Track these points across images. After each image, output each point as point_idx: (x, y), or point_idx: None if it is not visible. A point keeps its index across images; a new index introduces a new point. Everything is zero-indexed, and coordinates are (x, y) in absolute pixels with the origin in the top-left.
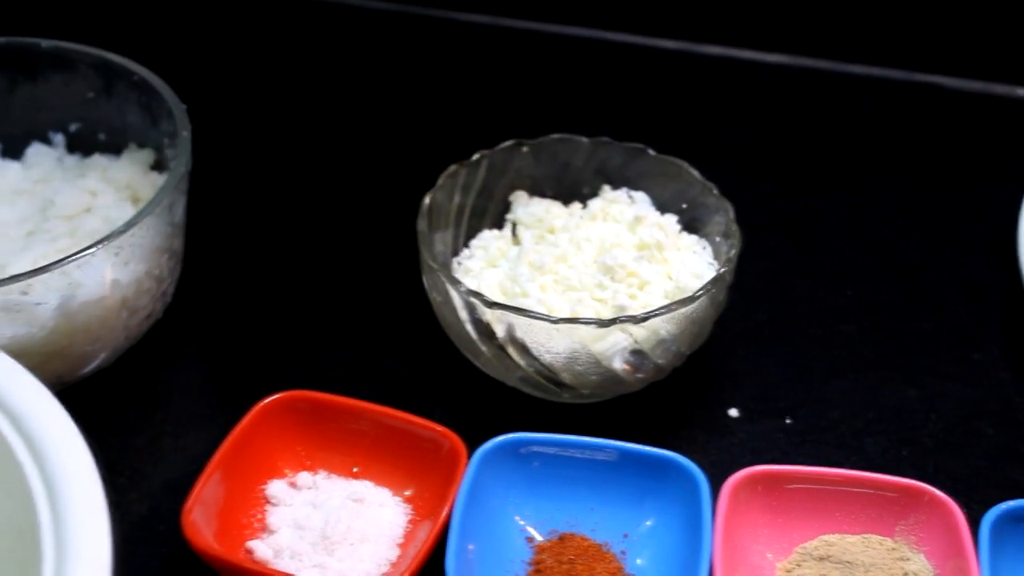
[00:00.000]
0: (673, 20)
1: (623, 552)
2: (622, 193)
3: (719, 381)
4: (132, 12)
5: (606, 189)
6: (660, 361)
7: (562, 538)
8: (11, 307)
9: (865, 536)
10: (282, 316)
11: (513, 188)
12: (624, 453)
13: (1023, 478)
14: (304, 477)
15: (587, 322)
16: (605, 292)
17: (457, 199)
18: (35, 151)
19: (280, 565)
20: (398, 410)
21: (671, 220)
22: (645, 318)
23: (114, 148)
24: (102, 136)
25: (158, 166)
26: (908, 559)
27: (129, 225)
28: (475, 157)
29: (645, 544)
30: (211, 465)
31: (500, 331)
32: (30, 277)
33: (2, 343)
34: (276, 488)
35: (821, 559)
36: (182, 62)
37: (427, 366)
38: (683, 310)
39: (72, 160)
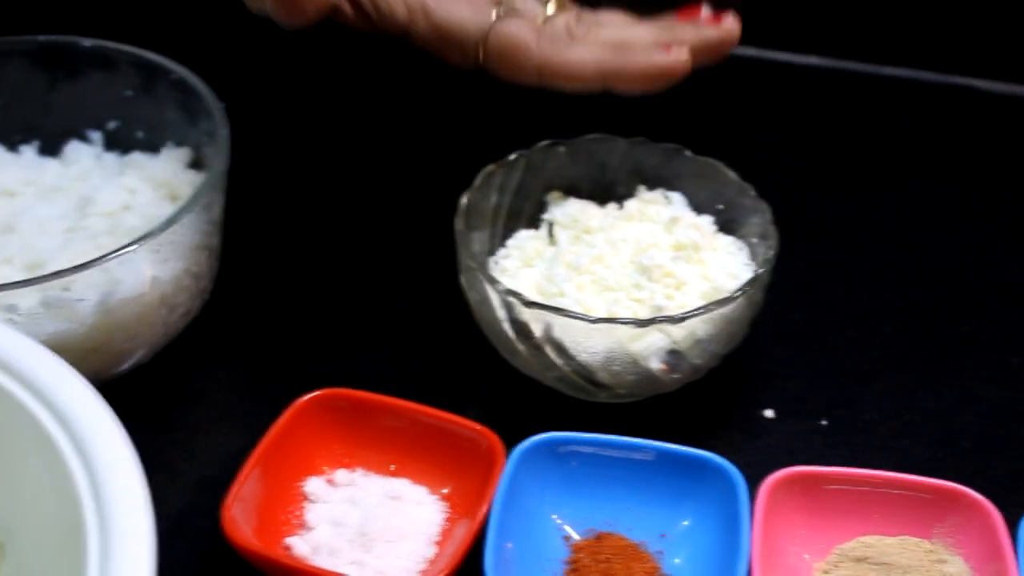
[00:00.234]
0: None
1: (660, 552)
2: (658, 194)
3: (754, 382)
4: (171, 11)
5: (642, 189)
6: (697, 361)
7: (599, 537)
8: (52, 303)
9: (902, 538)
10: (319, 314)
11: (549, 188)
12: (662, 453)
13: None
14: (342, 474)
15: (625, 322)
16: (642, 292)
17: (494, 199)
18: (73, 149)
19: (318, 562)
20: (436, 408)
21: (707, 221)
22: (683, 318)
23: (152, 146)
24: (140, 134)
25: (196, 164)
26: (946, 561)
27: (169, 223)
28: (512, 157)
29: (682, 544)
30: (250, 462)
31: (537, 330)
32: (72, 273)
33: (43, 339)
34: (314, 485)
35: (858, 560)
36: (220, 61)
37: (463, 365)
38: (721, 310)
39: (110, 158)
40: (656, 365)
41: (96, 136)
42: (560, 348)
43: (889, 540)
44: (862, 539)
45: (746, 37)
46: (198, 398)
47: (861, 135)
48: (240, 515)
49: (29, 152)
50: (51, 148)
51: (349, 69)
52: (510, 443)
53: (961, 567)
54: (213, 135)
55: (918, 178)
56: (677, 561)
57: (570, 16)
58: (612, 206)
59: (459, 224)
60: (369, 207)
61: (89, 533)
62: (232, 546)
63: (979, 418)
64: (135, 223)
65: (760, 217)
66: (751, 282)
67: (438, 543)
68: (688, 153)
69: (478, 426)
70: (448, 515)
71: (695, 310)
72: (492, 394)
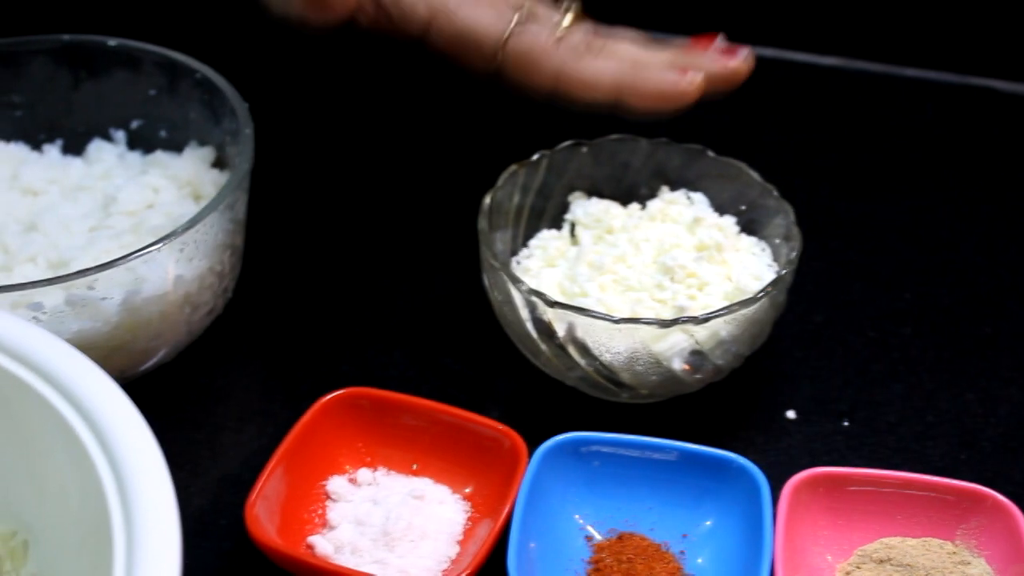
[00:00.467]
0: (728, 22)
1: (682, 552)
2: (681, 194)
3: (776, 383)
4: (195, 10)
5: (664, 190)
6: (719, 362)
7: (621, 537)
8: (77, 301)
9: (925, 539)
10: (342, 313)
11: (572, 188)
12: (684, 453)
13: None
14: (364, 473)
15: (649, 322)
16: (664, 293)
17: (516, 199)
18: (96, 148)
19: (341, 561)
20: (458, 408)
21: (730, 222)
22: (707, 319)
23: (175, 145)
24: (163, 133)
25: (219, 163)
26: (969, 563)
27: (194, 222)
28: (535, 157)
29: (704, 544)
30: (273, 460)
31: (561, 330)
32: (96, 272)
33: (68, 338)
34: (336, 484)
35: (881, 562)
36: (243, 60)
37: (486, 365)
38: (744, 311)
39: (133, 157)
40: (679, 365)
41: (120, 135)
42: (583, 348)
43: (912, 541)
44: (885, 540)
45: (767, 38)
46: (221, 397)
47: (880, 136)
48: (263, 513)
49: (53, 151)
50: (75, 147)
51: (373, 68)
52: (532, 443)
53: (984, 569)
54: (237, 134)
55: (938, 179)
56: (699, 561)
57: (587, 29)
58: (634, 206)
59: (482, 224)
60: (392, 207)
61: (115, 531)
62: (255, 544)
63: (1001, 419)
64: (159, 222)
65: (783, 218)
66: (774, 283)
67: (460, 542)
68: (711, 154)
69: (501, 426)
70: (470, 515)
71: (718, 311)
72: (514, 394)
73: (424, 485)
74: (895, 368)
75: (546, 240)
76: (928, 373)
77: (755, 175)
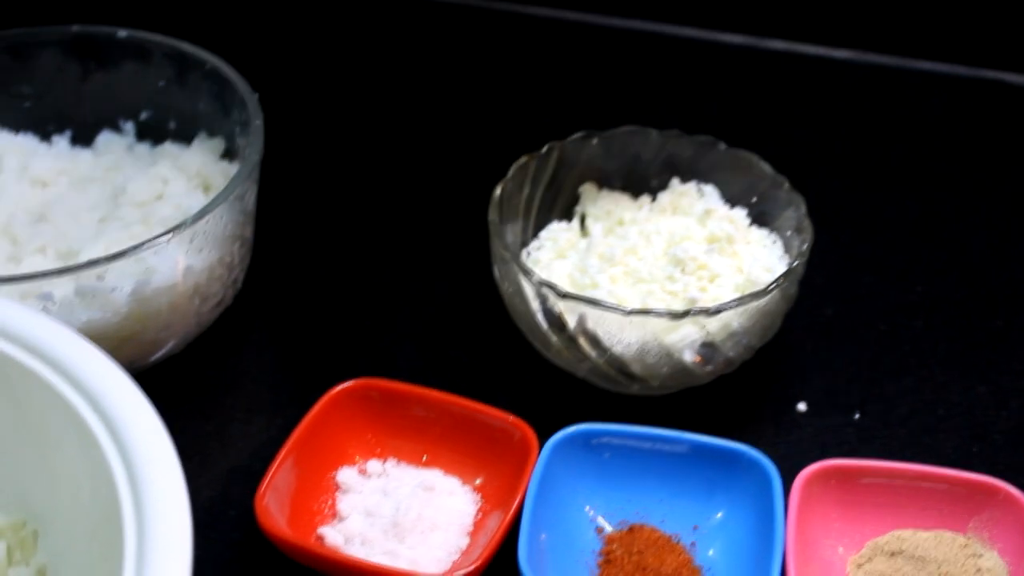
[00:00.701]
0: (740, 15)
1: (693, 544)
2: (692, 186)
3: (787, 375)
4: (204, 1)
5: (675, 182)
6: (730, 354)
7: (631, 529)
8: (86, 292)
9: (937, 532)
10: (351, 305)
11: (582, 180)
12: (695, 445)
13: None
14: (374, 464)
15: (660, 314)
16: (675, 285)
17: (527, 190)
18: (105, 139)
19: (351, 551)
20: (469, 399)
21: (741, 214)
22: (718, 310)
23: (184, 136)
24: (172, 124)
25: (228, 154)
26: (981, 555)
27: (203, 212)
28: (545, 149)
29: (715, 536)
30: (283, 451)
31: (571, 322)
32: (106, 263)
33: (77, 328)
34: (346, 475)
35: (893, 554)
36: (253, 51)
37: (496, 357)
38: (755, 303)
39: (142, 148)
40: (690, 357)
41: (129, 126)
42: (594, 340)
43: (924, 534)
44: (896, 533)
45: (778, 30)
46: (231, 388)
47: (892, 129)
48: (273, 504)
49: (62, 142)
50: (84, 138)
51: (383, 59)
52: (542, 435)
53: (996, 561)
54: (246, 125)
55: (950, 172)
56: (710, 553)
57: None
58: (645, 198)
59: (493, 215)
60: (402, 198)
61: (125, 521)
62: (265, 535)
63: (1013, 412)
64: (168, 213)
65: (794, 210)
66: (786, 274)
67: (471, 534)
68: (722, 146)
69: (511, 417)
70: (480, 506)
71: (730, 302)
72: (524, 386)
73: (434, 476)
74: (906, 361)
75: (556, 232)
76: (940, 366)
77: (766, 167)
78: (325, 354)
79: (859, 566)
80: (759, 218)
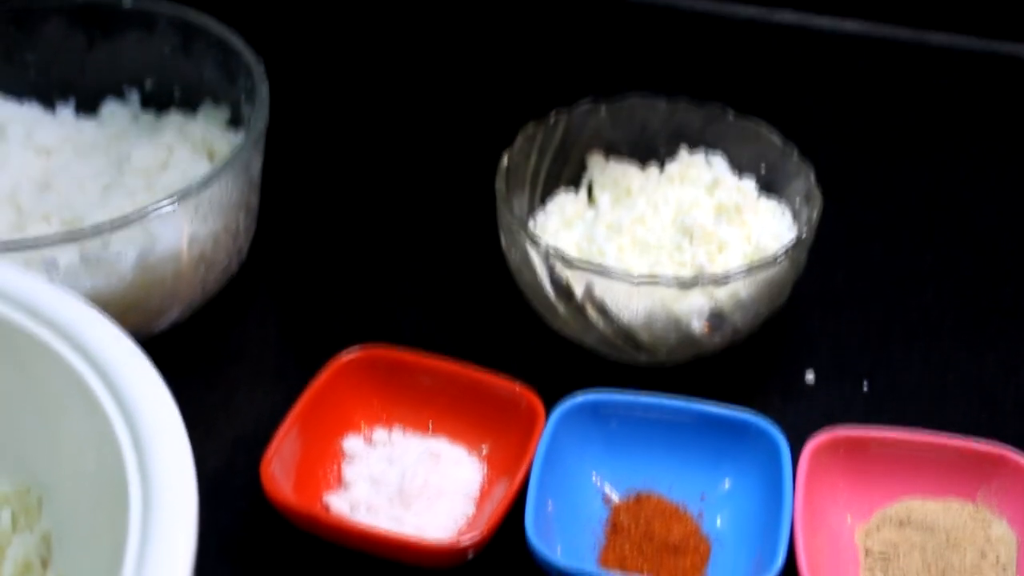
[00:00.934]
0: None
1: (700, 513)
2: (700, 156)
3: (795, 345)
4: None
5: (683, 151)
6: (738, 323)
7: (639, 498)
8: (91, 259)
9: (946, 501)
10: (356, 273)
11: (589, 149)
12: (703, 414)
13: None
14: (380, 433)
15: (668, 282)
16: (683, 254)
17: (534, 160)
18: (110, 107)
19: (357, 519)
20: (475, 368)
21: (749, 183)
22: (726, 279)
23: (189, 105)
24: (177, 93)
25: (234, 123)
26: (990, 525)
27: (208, 180)
28: (552, 117)
29: (723, 505)
30: (289, 419)
31: (579, 290)
32: (110, 230)
33: (83, 295)
34: (352, 443)
35: (901, 523)
36: (258, 19)
37: (502, 326)
38: (764, 272)
39: (147, 117)
40: (698, 326)
41: (134, 95)
42: (601, 308)
43: (932, 503)
44: (905, 502)
45: (789, 1)
46: (236, 357)
47: (902, 100)
48: (279, 472)
49: (66, 111)
50: (88, 107)
51: (389, 26)
52: (549, 405)
53: (1005, 530)
54: (252, 93)
55: (961, 143)
56: (718, 522)
57: None
58: (653, 168)
59: (500, 184)
60: (408, 166)
61: (131, 489)
62: (271, 503)
63: (1022, 381)
64: (173, 181)
65: (803, 179)
66: (795, 243)
67: (477, 502)
68: (730, 115)
69: (518, 386)
70: (486, 474)
71: (738, 271)
72: (531, 356)
73: (440, 445)
74: (915, 331)
75: (563, 201)
76: (948, 336)
77: (775, 136)
78: (330, 323)
79: (867, 535)
80: (768, 187)
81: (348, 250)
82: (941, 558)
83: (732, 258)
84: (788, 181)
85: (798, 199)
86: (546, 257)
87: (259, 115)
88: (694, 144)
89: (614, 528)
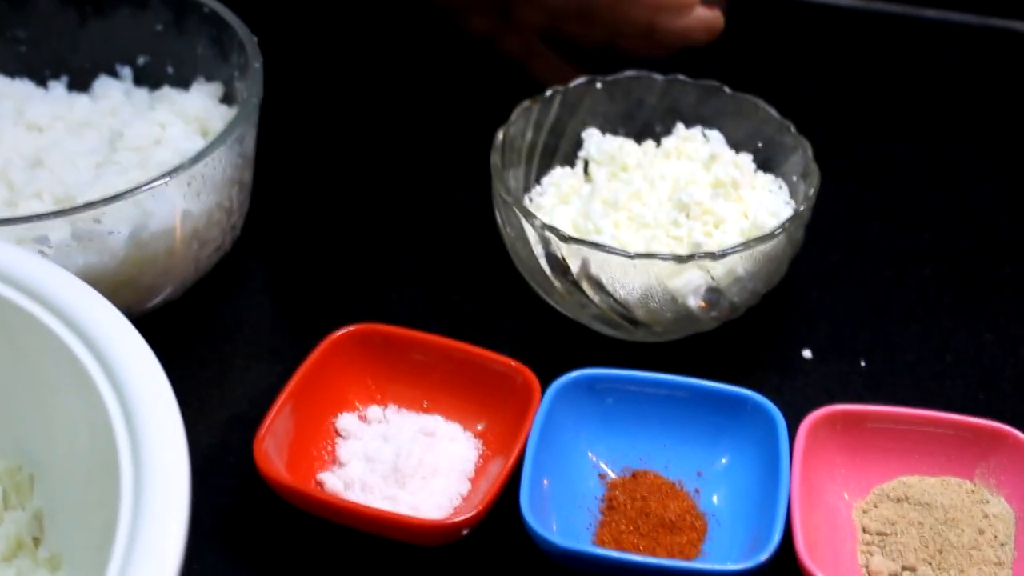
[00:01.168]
0: None
1: (697, 490)
2: (696, 131)
3: (793, 322)
4: None
5: (679, 127)
6: (736, 299)
7: (635, 475)
8: (83, 236)
9: (944, 478)
10: (351, 250)
11: (585, 125)
12: (700, 391)
13: None
14: (374, 410)
15: (665, 257)
16: (680, 230)
17: (529, 135)
18: (102, 84)
19: (351, 497)
20: (470, 344)
21: (746, 159)
22: (723, 255)
23: (181, 81)
24: (170, 69)
25: (227, 99)
26: (988, 502)
27: (201, 156)
28: (548, 93)
29: (720, 482)
30: (282, 397)
31: (575, 266)
32: (103, 205)
33: (74, 272)
34: (346, 421)
35: (899, 500)
36: None
37: (498, 303)
38: (761, 247)
39: (140, 93)
40: (694, 303)
41: (126, 71)
42: (597, 284)
43: (930, 480)
44: (903, 479)
45: None
46: (229, 335)
47: (899, 76)
48: (272, 450)
49: (58, 87)
50: (81, 83)
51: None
52: (545, 382)
53: (1003, 507)
54: (245, 68)
55: (958, 119)
56: (715, 499)
57: None
58: (649, 144)
59: (495, 159)
60: (403, 142)
61: (122, 466)
62: (265, 481)
63: (1020, 359)
64: (166, 157)
65: (800, 155)
66: (792, 219)
67: (472, 480)
68: (727, 90)
69: (513, 362)
70: (482, 452)
71: (736, 247)
72: (527, 333)
73: (435, 422)
74: (913, 308)
75: (559, 177)
76: (947, 313)
77: (772, 111)
78: (325, 300)
79: (865, 512)
80: (765, 163)
81: (343, 227)
82: (939, 535)
83: (729, 234)
84: (785, 157)
85: (795, 175)
86: (542, 233)
87: (253, 90)
88: (690, 120)
89: (610, 506)
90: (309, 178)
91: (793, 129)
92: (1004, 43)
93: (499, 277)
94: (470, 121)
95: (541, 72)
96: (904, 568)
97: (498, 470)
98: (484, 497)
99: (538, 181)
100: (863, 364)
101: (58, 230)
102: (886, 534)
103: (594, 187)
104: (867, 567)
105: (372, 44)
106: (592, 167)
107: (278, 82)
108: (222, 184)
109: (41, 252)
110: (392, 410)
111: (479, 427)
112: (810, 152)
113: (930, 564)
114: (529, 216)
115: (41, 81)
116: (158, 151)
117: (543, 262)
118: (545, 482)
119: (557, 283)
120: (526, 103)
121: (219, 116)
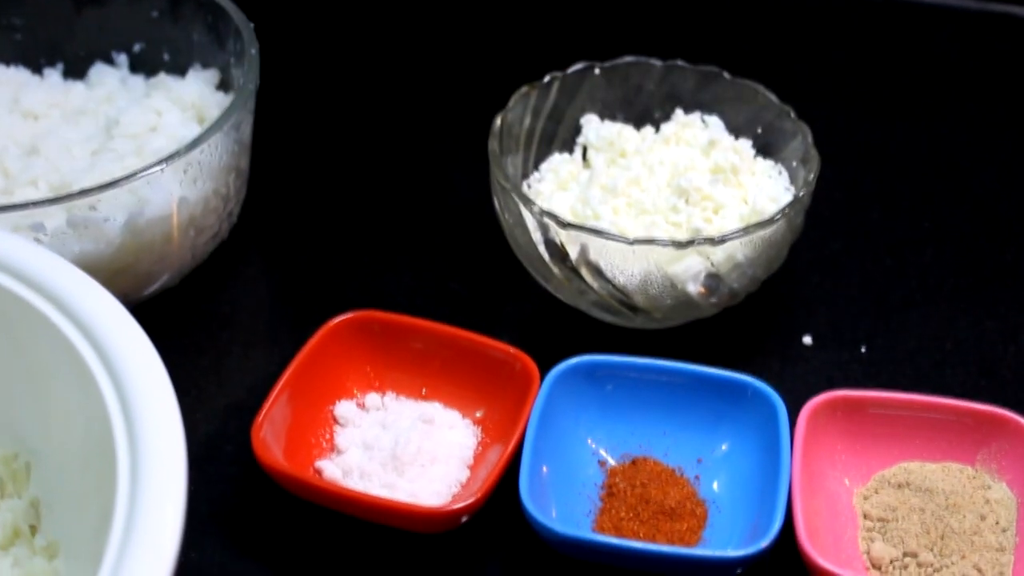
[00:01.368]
0: None
1: (697, 477)
2: (695, 117)
3: (793, 308)
4: None
5: (678, 113)
6: (735, 285)
7: (634, 462)
8: (79, 223)
9: (945, 464)
10: (349, 237)
11: (584, 111)
12: (700, 377)
13: None
14: (373, 398)
15: (664, 243)
16: (679, 216)
17: (528, 122)
18: (98, 71)
19: (350, 485)
20: (469, 331)
21: (746, 145)
22: (723, 240)
23: (177, 68)
24: (166, 56)
25: (224, 86)
26: (989, 487)
27: (197, 142)
28: (546, 79)
29: (720, 469)
30: (280, 384)
31: (574, 253)
32: (98, 192)
33: (70, 260)
34: (344, 408)
35: (900, 486)
36: None
37: (496, 290)
38: (761, 233)
39: (135, 80)
40: (694, 288)
41: (122, 58)
42: (596, 270)
43: (931, 466)
44: (904, 465)
45: None
46: (226, 322)
47: (899, 62)
48: (270, 437)
49: (54, 75)
50: (76, 71)
51: None
52: (544, 369)
53: (1005, 493)
54: (241, 55)
55: (958, 105)
56: (715, 486)
57: None
58: (648, 130)
59: (493, 145)
60: (401, 128)
61: (119, 454)
62: (262, 468)
63: (1021, 346)
64: (162, 144)
65: (800, 140)
66: (792, 204)
67: (471, 467)
68: (726, 75)
69: (512, 349)
70: (481, 439)
71: (735, 232)
72: (525, 319)
73: (434, 409)
74: (913, 295)
75: (558, 164)
76: (947, 300)
77: (772, 97)
78: (322, 287)
79: (866, 498)
80: (764, 149)
81: (340, 214)
82: (940, 521)
83: (729, 220)
84: (785, 142)
85: (795, 160)
86: (540, 219)
87: (249, 76)
88: (689, 106)
89: (610, 492)
90: (306, 165)
91: (793, 114)
92: (1003, 29)
93: (498, 264)
94: (468, 107)
95: None
96: (905, 554)
97: (497, 457)
98: (483, 484)
99: (536, 167)
100: (863, 350)
101: (54, 217)
102: (887, 520)
103: (593, 173)
104: (868, 553)
105: (369, 30)
106: (591, 153)
107: (274, 69)
108: (218, 171)
109: (37, 239)
110: (390, 397)
111: (478, 414)
112: (810, 138)
113: (931, 550)
114: (528, 202)
115: (37, 68)
116: (154, 138)
117: (542, 248)
118: (544, 469)
119: (556, 269)
120: (524, 89)
121: (215, 103)
